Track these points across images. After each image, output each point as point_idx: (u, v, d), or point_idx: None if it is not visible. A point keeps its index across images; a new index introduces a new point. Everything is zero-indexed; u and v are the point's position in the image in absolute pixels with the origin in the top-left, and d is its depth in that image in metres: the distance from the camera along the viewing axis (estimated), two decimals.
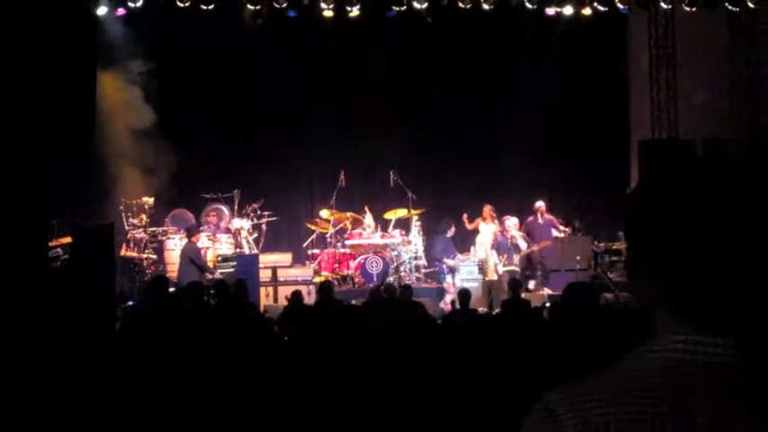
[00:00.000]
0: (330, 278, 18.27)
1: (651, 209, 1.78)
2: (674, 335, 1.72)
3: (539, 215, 20.03)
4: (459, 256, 19.27)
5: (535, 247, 19.31)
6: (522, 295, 14.68)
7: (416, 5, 18.62)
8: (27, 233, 10.98)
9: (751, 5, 18.32)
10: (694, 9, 18.63)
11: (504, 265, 18.52)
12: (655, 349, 1.73)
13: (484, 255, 19.05)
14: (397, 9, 18.94)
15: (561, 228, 20.05)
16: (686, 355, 1.69)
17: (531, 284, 18.79)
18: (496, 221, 19.64)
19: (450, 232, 19.33)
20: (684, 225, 1.72)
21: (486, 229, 19.57)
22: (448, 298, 18.15)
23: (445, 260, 18.99)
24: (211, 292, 14.68)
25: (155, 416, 6.89)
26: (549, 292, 17.98)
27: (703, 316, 1.71)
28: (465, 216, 19.99)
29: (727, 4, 18.39)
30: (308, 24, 19.76)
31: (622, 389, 1.69)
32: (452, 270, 18.86)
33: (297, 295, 13.62)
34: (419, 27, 19.89)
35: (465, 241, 20.12)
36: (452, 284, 18.46)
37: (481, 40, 20.74)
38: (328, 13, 19.01)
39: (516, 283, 14.63)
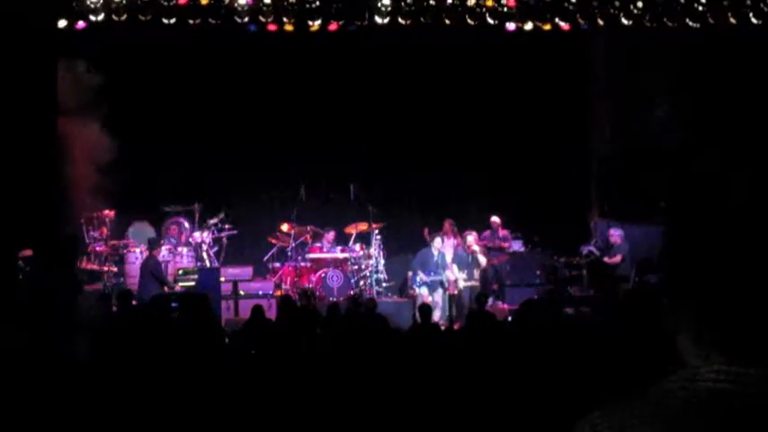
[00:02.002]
0: (290, 292, 18.29)
1: (699, 239, 1.83)
2: (710, 365, 1.77)
3: (495, 230, 20.20)
4: (447, 272, 19.07)
5: (494, 261, 19.43)
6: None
7: (378, 20, 18.64)
8: None
9: (711, 21, 18.46)
10: (655, 25, 18.72)
11: (465, 281, 18.58)
12: (693, 378, 1.77)
13: (444, 270, 19.03)
14: (359, 23, 18.96)
15: (516, 241, 20.24)
16: (725, 386, 1.73)
17: (490, 300, 18.83)
18: (457, 237, 19.72)
19: (435, 245, 19.21)
20: (727, 256, 1.77)
21: (447, 244, 19.61)
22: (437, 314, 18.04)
23: (419, 272, 18.91)
24: (173, 306, 14.61)
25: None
26: (506, 306, 18.06)
27: (738, 346, 1.76)
28: (426, 231, 20.03)
29: (688, 20, 18.52)
30: (268, 37, 19.76)
31: (662, 414, 1.73)
32: (426, 284, 18.75)
33: (258, 311, 13.59)
34: (380, 41, 19.96)
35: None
36: (426, 297, 18.36)
37: (442, 54, 20.82)
38: (289, 27, 18.98)
39: (482, 297, 14.70)
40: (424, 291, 18.65)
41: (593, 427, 1.78)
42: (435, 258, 19.02)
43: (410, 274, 19.34)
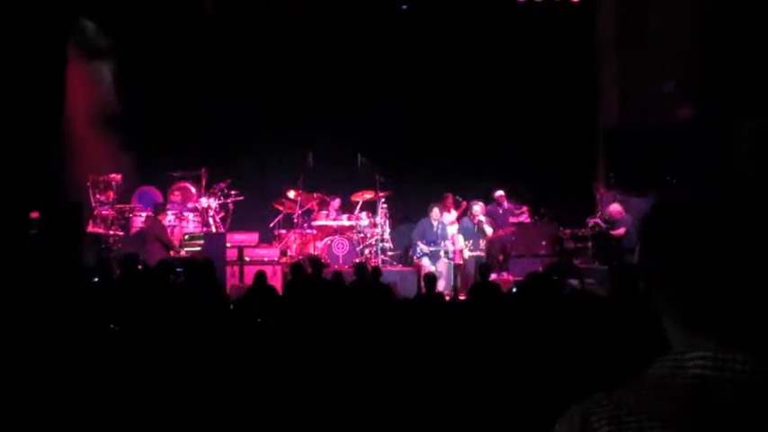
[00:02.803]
0: (298, 259, 18.31)
1: (685, 221, 1.80)
2: (698, 350, 1.76)
3: (499, 203, 20.23)
4: (447, 242, 19.07)
5: (501, 232, 19.44)
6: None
7: None
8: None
9: None
10: None
11: (470, 251, 18.59)
12: (683, 364, 1.76)
13: (444, 240, 19.01)
14: None
15: (519, 212, 20.27)
16: (713, 372, 1.72)
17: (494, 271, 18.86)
18: (459, 209, 19.78)
19: (434, 216, 19.18)
20: (717, 237, 1.75)
21: (448, 218, 19.62)
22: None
23: (418, 243, 18.94)
24: (178, 270, 14.62)
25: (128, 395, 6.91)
26: (511, 278, 18.07)
27: (726, 330, 1.75)
28: (450, 199, 20.07)
29: None
30: (280, 7, 19.76)
31: (653, 402, 1.72)
32: (427, 254, 18.76)
33: (260, 277, 13.62)
34: (391, 13, 19.94)
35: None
36: (428, 267, 18.36)
37: (451, 26, 20.76)
38: None
39: (486, 267, 14.66)
40: (426, 261, 18.65)
41: (584, 418, 1.77)
42: (435, 228, 19.03)
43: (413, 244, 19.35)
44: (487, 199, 20.23)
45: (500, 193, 20.35)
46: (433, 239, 18.85)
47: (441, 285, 16.94)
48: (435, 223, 19.08)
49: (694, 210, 1.81)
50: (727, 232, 1.75)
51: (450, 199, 20.08)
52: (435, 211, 19.17)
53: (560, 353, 6.47)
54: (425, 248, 18.73)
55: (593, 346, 6.54)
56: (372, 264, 18.31)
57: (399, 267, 19.58)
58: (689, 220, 1.80)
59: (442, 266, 18.38)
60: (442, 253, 18.69)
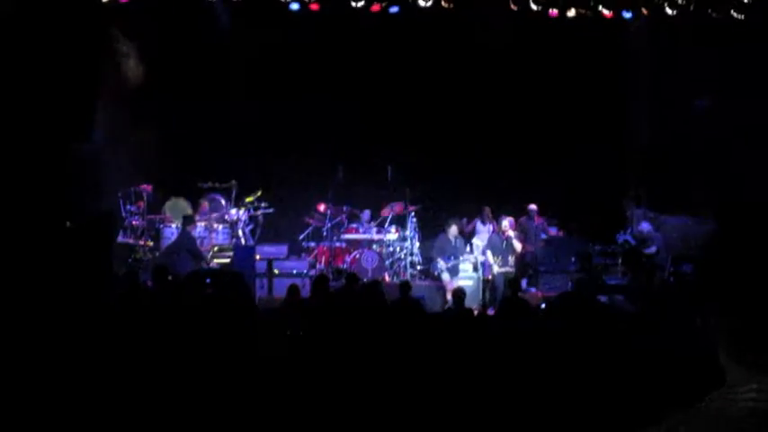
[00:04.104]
0: (326, 272, 18.33)
1: (740, 263, 1.81)
2: (751, 383, 1.76)
3: (531, 217, 20.22)
4: (467, 256, 19.06)
5: (530, 247, 19.41)
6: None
7: (421, 3, 18.66)
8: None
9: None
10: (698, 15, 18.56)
11: (499, 266, 18.55)
12: (735, 397, 1.77)
13: (480, 255, 19.01)
14: (400, 5, 19.01)
15: (552, 229, 20.24)
16: (765, 405, 1.73)
17: (524, 284, 18.80)
18: (494, 222, 19.77)
19: (452, 232, 19.17)
20: None
21: (484, 230, 19.66)
22: (448, 296, 18.17)
23: (438, 259, 18.92)
24: (207, 281, 14.64)
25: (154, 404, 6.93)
26: (540, 293, 18.03)
27: None
28: (464, 221, 20.08)
29: (733, 12, 18.34)
30: (310, 17, 19.81)
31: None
32: (448, 269, 18.73)
33: (294, 291, 13.64)
34: (421, 24, 19.96)
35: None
36: (449, 282, 18.39)
37: (481, 41, 20.75)
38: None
39: (515, 283, 14.63)
40: (445, 276, 18.62)
41: None
42: (453, 244, 19.00)
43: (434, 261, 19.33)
44: (516, 213, 20.18)
45: (533, 207, 20.32)
46: (452, 255, 18.80)
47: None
48: (453, 239, 19.05)
49: (748, 251, 1.82)
50: None
51: (487, 211, 20.13)
52: (453, 228, 19.14)
53: (588, 371, 6.47)
54: (444, 264, 18.69)
55: (621, 363, 6.52)
56: (402, 278, 18.35)
57: (428, 282, 19.54)
58: (744, 262, 1.81)
59: (462, 282, 18.24)
60: (460, 268, 18.65)
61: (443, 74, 21.32)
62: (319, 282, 13.93)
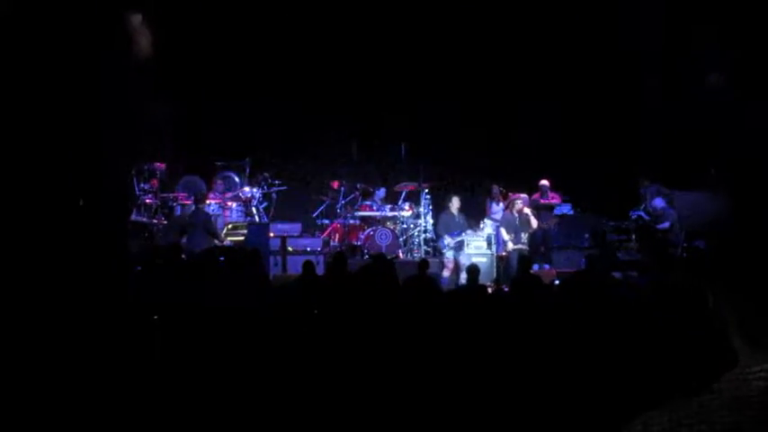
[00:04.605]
0: (340, 249, 18.35)
1: (752, 245, 1.83)
2: (764, 363, 1.77)
3: (544, 192, 20.22)
4: (469, 231, 19.03)
5: (543, 224, 19.39)
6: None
7: None
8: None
9: None
10: None
11: (513, 243, 18.52)
12: (747, 377, 1.78)
13: (493, 232, 19.00)
14: None
15: (565, 204, 20.23)
16: None
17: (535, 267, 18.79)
18: (505, 200, 19.77)
19: (454, 207, 19.22)
20: None
21: (497, 208, 19.69)
22: (445, 273, 18.21)
23: (445, 236, 18.93)
24: (221, 259, 14.67)
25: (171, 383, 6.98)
26: (554, 271, 18.02)
27: None
28: (495, 189, 20.22)
29: None
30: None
31: (715, 413, 1.75)
32: (454, 246, 18.72)
33: (309, 265, 13.63)
34: (442, 9, 19.95)
35: (475, 218, 20.02)
36: (451, 260, 18.41)
37: (497, 18, 20.70)
38: None
39: (525, 260, 14.61)
40: (449, 254, 18.63)
41: (645, 427, 1.80)
42: (456, 219, 19.02)
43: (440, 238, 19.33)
44: (529, 191, 20.18)
45: (545, 182, 20.32)
46: (457, 231, 18.80)
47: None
48: (456, 214, 19.06)
49: (761, 233, 1.83)
50: None
51: (497, 189, 20.17)
52: (455, 201, 19.14)
53: (602, 348, 6.47)
54: (451, 240, 18.68)
55: (635, 340, 6.53)
56: (415, 255, 18.37)
57: (440, 259, 19.53)
58: (756, 245, 1.82)
59: (465, 259, 18.16)
60: (473, 245, 18.64)
61: (458, 51, 21.27)
62: (337, 260, 13.90)
